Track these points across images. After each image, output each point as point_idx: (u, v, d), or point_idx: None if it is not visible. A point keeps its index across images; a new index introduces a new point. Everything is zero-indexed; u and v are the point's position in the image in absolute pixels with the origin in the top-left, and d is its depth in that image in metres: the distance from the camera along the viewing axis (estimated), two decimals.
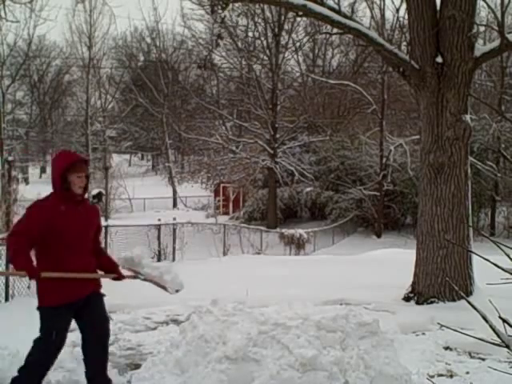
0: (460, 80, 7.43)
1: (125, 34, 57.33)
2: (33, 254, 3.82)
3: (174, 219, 14.60)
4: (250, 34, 32.02)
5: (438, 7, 7.54)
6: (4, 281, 7.39)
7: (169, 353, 3.76)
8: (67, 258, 3.77)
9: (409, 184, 26.32)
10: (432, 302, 7.40)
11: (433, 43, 7.43)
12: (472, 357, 5.30)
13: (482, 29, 19.74)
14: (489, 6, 9.06)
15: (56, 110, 55.65)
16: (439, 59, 7.39)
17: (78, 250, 3.84)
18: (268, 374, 3.34)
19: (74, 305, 3.84)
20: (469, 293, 7.42)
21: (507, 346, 2.10)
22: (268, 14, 29.55)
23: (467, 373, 4.80)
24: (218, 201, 36.95)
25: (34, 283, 8.02)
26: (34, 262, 3.77)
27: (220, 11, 8.75)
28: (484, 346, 4.50)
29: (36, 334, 3.82)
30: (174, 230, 13.98)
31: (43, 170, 56.52)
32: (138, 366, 4.66)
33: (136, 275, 4.00)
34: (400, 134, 29.03)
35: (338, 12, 7.76)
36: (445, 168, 7.50)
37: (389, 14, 39.52)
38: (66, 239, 3.77)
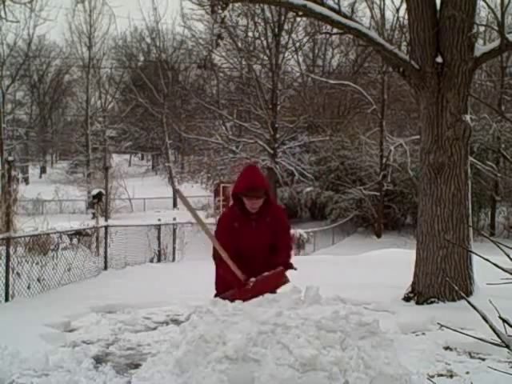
0: (460, 80, 7.43)
1: (125, 34, 57.50)
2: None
3: (174, 219, 14.60)
4: (250, 34, 31.95)
5: (438, 7, 7.54)
6: (4, 281, 7.40)
7: (169, 353, 3.76)
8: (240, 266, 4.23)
9: (409, 184, 26.31)
10: (432, 302, 7.40)
11: (433, 43, 7.43)
12: (472, 357, 5.31)
13: (482, 29, 19.77)
14: (489, 6, 9.07)
15: (56, 110, 55.72)
16: (439, 59, 7.39)
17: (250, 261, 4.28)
18: (268, 373, 3.34)
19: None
20: (469, 293, 7.42)
21: (507, 346, 2.10)
22: (268, 14, 29.48)
23: (467, 373, 4.80)
24: (218, 201, 36.88)
25: (36, 283, 8.03)
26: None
27: (220, 11, 8.74)
28: (484, 346, 4.51)
29: (36, 333, 3.81)
30: (174, 230, 13.98)
31: (43, 170, 56.52)
32: (137, 366, 4.66)
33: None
34: (400, 134, 29.01)
35: (338, 12, 7.76)
36: (445, 168, 7.50)
37: (389, 14, 39.44)
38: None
